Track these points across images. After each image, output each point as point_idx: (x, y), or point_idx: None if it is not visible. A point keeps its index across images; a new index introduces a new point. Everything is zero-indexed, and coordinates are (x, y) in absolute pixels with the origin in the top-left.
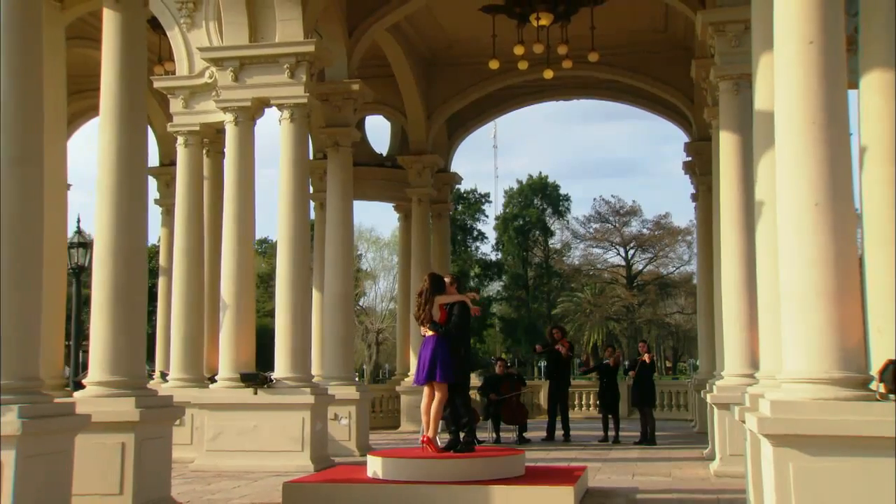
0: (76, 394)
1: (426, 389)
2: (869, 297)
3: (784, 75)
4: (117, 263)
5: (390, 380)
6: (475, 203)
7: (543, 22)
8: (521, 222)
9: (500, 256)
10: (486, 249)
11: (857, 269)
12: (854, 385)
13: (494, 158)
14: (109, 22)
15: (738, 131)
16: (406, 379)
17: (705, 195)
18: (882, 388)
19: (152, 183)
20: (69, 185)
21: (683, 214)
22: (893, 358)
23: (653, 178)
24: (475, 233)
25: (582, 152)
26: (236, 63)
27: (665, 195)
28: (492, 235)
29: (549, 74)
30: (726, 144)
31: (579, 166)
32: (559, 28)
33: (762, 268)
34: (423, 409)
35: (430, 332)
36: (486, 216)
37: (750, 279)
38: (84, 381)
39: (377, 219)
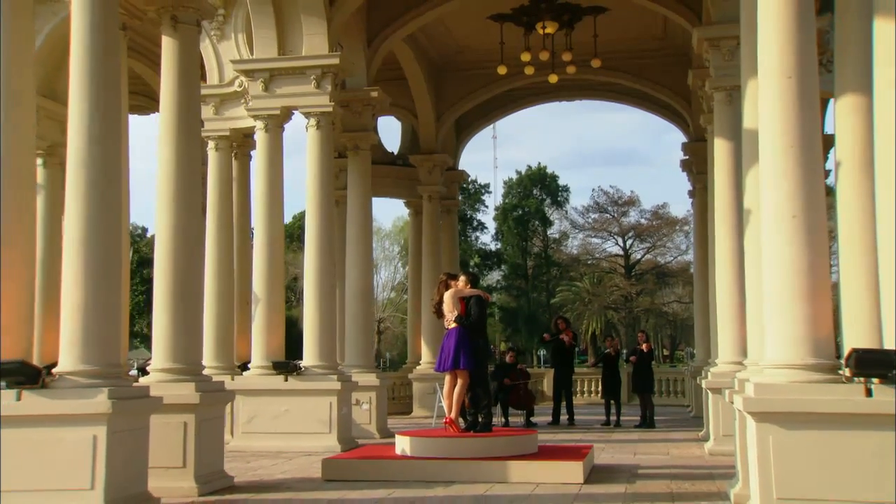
0: (142, 379)
1: (448, 376)
2: (842, 294)
3: (767, 105)
4: (176, 265)
5: (402, 367)
6: (475, 193)
7: (549, 30)
8: (520, 212)
9: (499, 246)
10: (486, 239)
11: (829, 273)
12: (824, 370)
13: (494, 149)
14: (168, 48)
15: (731, 139)
16: (418, 367)
17: (701, 193)
18: (847, 373)
19: None
20: None
21: (681, 204)
22: (858, 347)
23: (651, 168)
24: (475, 223)
25: (581, 142)
26: (266, 74)
27: (663, 185)
28: (491, 225)
29: (553, 79)
30: (720, 151)
31: (578, 156)
32: (563, 35)
33: (749, 269)
34: (446, 393)
35: (452, 325)
36: (486, 206)
37: (741, 277)
38: (148, 368)
39: (377, 210)
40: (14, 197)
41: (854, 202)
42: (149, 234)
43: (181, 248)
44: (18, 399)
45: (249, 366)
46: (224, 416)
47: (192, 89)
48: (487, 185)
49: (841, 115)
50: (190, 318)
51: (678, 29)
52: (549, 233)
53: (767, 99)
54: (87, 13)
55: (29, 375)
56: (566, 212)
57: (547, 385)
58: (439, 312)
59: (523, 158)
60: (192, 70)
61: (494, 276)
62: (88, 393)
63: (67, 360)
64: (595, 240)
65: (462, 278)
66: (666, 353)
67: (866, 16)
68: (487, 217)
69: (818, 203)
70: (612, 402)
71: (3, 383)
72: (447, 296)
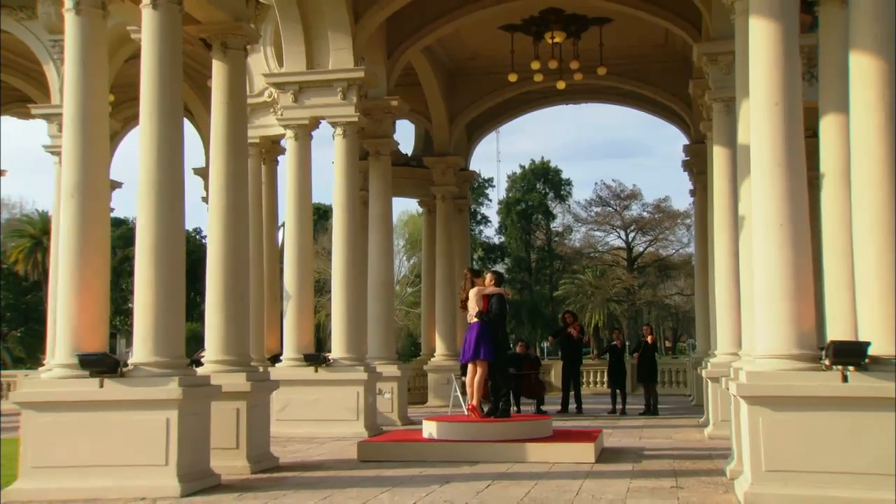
0: (197, 370)
1: (470, 366)
2: (826, 292)
3: (756, 127)
4: (227, 268)
5: (412, 359)
6: (479, 188)
7: (557, 39)
8: (523, 206)
9: (503, 240)
10: (490, 233)
11: (811, 274)
12: (807, 359)
13: (497, 142)
14: (218, 71)
15: (728, 146)
16: (432, 359)
17: (702, 192)
18: (827, 361)
19: (200, 182)
20: (121, 184)
21: (683, 197)
22: (835, 339)
23: (654, 160)
24: (479, 216)
25: (583, 134)
26: (296, 87)
27: (665, 177)
28: (495, 219)
29: (561, 85)
30: (719, 158)
31: (581, 148)
32: (570, 44)
33: (744, 269)
34: (468, 382)
35: (475, 319)
36: (490, 200)
37: (737, 276)
38: (202, 360)
39: None
40: (93, 209)
41: (836, 210)
42: None
43: (231, 253)
44: (101, 386)
45: (282, 358)
46: (269, 402)
47: (240, 108)
48: (491, 180)
49: (825, 132)
50: (239, 315)
51: (678, 36)
52: (552, 226)
53: (757, 122)
54: (156, 43)
55: (109, 365)
56: (569, 205)
57: (555, 376)
58: (465, 307)
59: (525, 150)
60: (240, 90)
61: (498, 270)
62: (161, 381)
63: (141, 352)
64: (598, 233)
65: (488, 276)
66: (668, 344)
67: (846, 44)
68: (491, 211)
69: (802, 213)
70: (618, 391)
71: (88, 372)
72: (472, 293)
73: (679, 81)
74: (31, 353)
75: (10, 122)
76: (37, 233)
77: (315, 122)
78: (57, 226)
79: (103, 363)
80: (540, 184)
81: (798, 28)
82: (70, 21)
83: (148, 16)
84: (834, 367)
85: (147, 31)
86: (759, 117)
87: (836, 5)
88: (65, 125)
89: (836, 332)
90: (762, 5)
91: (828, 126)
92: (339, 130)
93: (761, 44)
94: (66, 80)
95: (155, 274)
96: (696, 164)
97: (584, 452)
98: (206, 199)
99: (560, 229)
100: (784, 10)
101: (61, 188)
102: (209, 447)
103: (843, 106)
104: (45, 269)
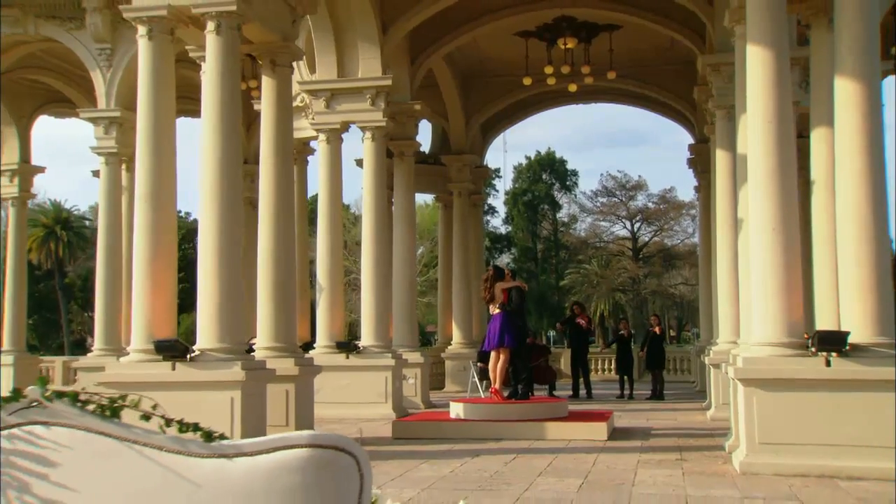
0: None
1: (493, 353)
2: (815, 288)
3: (753, 142)
4: (277, 266)
5: (428, 347)
6: (485, 178)
7: (570, 45)
8: (529, 197)
9: (509, 230)
10: (497, 223)
11: (800, 272)
12: (796, 347)
13: (503, 134)
14: (267, 85)
15: (730, 150)
16: (449, 347)
17: (706, 189)
18: (813, 349)
19: None
20: None
21: (688, 187)
22: (820, 329)
23: (659, 150)
24: (485, 207)
25: (589, 125)
26: (328, 93)
27: (670, 168)
28: (501, 209)
29: (573, 88)
30: (721, 162)
31: (586, 139)
32: (582, 49)
33: (742, 266)
34: (491, 367)
35: (497, 311)
36: (497, 190)
37: (737, 272)
38: (253, 346)
39: None
40: (162, 213)
41: (824, 215)
42: None
43: (280, 252)
44: (173, 369)
45: (315, 345)
46: (313, 385)
47: (287, 119)
48: (498, 170)
49: (815, 143)
50: (287, 306)
51: (684, 41)
52: (558, 216)
53: (753, 137)
54: (218, 64)
55: (180, 351)
56: (575, 196)
57: (564, 363)
58: (490, 302)
59: (531, 141)
60: (287, 103)
61: (504, 260)
62: (226, 365)
63: (206, 339)
64: (603, 223)
65: (506, 272)
66: (673, 333)
67: (833, 63)
68: (497, 201)
69: (793, 219)
70: (626, 377)
71: (161, 357)
72: (495, 288)
73: (684, 84)
74: (43, 340)
75: (42, 119)
76: (50, 222)
77: (345, 127)
78: (106, 222)
79: (175, 349)
80: (546, 174)
81: (788, 53)
82: (143, 46)
83: (212, 40)
84: (819, 353)
85: (210, 52)
86: (754, 133)
87: (824, 29)
88: (138, 137)
89: (823, 322)
90: (757, 34)
91: (817, 138)
92: (367, 134)
93: (757, 68)
94: (139, 97)
95: (217, 270)
96: (701, 163)
97: (597, 431)
98: None
99: (566, 219)
100: (776, 38)
101: (135, 194)
102: (266, 424)
103: (831, 121)
104: (58, 259)
